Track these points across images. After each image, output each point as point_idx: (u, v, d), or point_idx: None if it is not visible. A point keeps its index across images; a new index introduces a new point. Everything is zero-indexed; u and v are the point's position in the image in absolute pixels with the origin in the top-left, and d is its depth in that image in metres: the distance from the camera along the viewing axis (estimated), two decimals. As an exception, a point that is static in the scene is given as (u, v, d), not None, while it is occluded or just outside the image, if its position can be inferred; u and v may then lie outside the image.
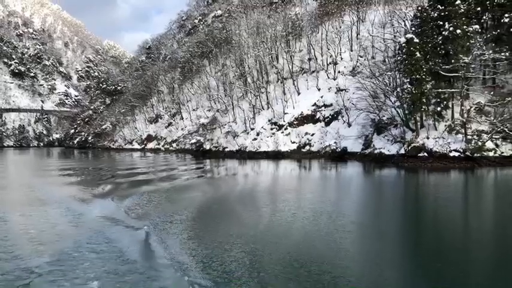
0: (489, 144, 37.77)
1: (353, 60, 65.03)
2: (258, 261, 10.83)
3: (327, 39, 72.04)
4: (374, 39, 61.98)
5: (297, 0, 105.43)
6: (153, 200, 21.70)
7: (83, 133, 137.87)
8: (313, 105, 63.22)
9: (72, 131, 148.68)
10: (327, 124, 59.95)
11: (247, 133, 65.79)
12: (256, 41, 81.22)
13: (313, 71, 69.58)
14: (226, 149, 65.79)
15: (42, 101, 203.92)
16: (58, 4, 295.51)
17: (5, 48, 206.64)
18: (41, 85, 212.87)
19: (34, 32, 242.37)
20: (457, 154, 37.32)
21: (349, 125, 56.29)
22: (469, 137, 37.28)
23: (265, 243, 12.78)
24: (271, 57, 78.53)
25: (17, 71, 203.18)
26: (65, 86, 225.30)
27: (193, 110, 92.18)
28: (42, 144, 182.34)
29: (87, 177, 39.60)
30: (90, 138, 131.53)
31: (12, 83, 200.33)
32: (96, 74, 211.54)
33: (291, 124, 62.67)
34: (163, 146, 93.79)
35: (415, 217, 18.45)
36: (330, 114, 60.55)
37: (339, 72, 65.27)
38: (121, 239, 13.25)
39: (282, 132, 62.26)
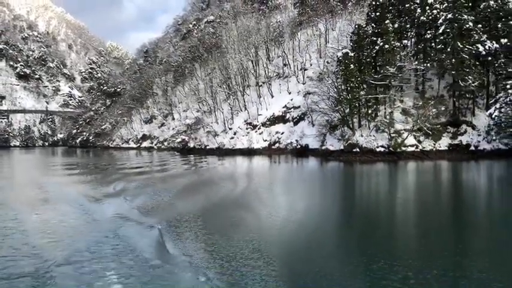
0: (411, 141, 45.51)
1: (320, 66, 72.43)
2: (269, 253, 11.31)
3: (299, 46, 79.70)
4: (339, 47, 69.39)
5: (282, 7, 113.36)
6: (162, 198, 22.35)
7: (84, 133, 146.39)
8: (283, 107, 70.89)
9: (75, 131, 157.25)
10: (295, 124, 67.58)
11: (226, 132, 73.79)
12: (241, 47, 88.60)
13: (286, 76, 77.29)
14: (207, 147, 73.80)
15: (47, 102, 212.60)
16: (62, 7, 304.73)
17: (10, 51, 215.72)
18: (46, 87, 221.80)
19: (39, 35, 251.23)
20: (382, 149, 45.09)
21: (313, 124, 63.67)
22: (393, 135, 44.94)
23: (271, 235, 13.92)
24: (253, 62, 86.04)
25: (22, 73, 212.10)
26: (69, 87, 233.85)
27: (184, 111, 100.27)
28: (47, 143, 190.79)
29: (95, 175, 40.73)
30: (91, 138, 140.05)
31: (18, 85, 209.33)
32: (99, 75, 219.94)
33: (263, 124, 70.50)
34: (155, 144, 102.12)
35: (343, 196, 24.43)
36: (298, 115, 68.16)
37: (307, 77, 72.72)
38: (136, 238, 13.39)
39: (256, 132, 70.09)
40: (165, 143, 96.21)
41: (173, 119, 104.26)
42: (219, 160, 57.54)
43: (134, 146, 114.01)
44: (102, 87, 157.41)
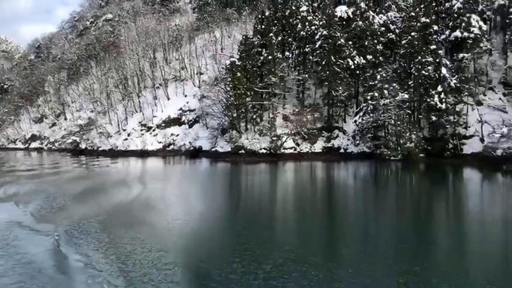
0: (290, 144, 50.14)
1: (215, 71, 75.33)
2: (167, 253, 11.75)
3: (196, 50, 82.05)
4: (233, 54, 72.89)
5: (182, 10, 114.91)
6: (57, 203, 21.58)
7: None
8: (179, 110, 72.58)
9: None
10: (190, 126, 69.61)
11: (120, 134, 73.57)
12: (140, 48, 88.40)
13: (183, 79, 79.11)
14: (99, 148, 72.91)
15: None
16: None
17: None
18: None
19: None
20: (264, 151, 49.14)
21: (207, 127, 66.33)
22: (274, 138, 49.18)
23: (166, 236, 14.47)
24: (150, 64, 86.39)
25: None
26: None
27: (77, 111, 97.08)
28: None
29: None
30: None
31: None
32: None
33: (158, 126, 71.57)
34: (46, 145, 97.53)
35: (226, 196, 27.07)
36: (193, 118, 70.25)
37: (203, 81, 75.24)
38: (30, 246, 12.76)
39: (150, 133, 70.94)
40: (56, 144, 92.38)
41: (65, 119, 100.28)
42: (112, 162, 57.47)
43: (22, 146, 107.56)
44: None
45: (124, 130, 74.02)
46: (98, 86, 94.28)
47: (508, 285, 9.50)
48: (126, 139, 71.64)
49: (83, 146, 75.93)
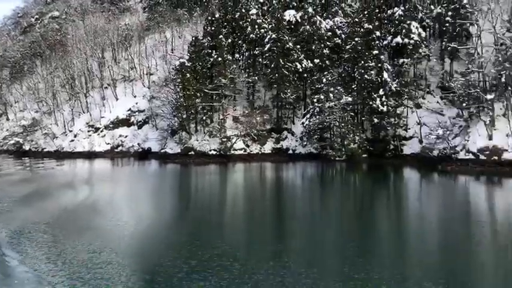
0: (240, 145, 50.65)
1: (165, 72, 74.58)
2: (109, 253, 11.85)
3: (146, 51, 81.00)
4: (183, 55, 72.46)
5: (132, 10, 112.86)
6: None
7: None
8: (128, 110, 71.26)
9: None
10: (139, 127, 68.54)
11: (66, 135, 71.36)
12: (88, 47, 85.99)
13: (132, 80, 77.76)
14: (44, 150, 70.41)
15: None
16: None
17: None
18: None
19: None
20: (214, 152, 49.38)
21: (156, 128, 65.53)
22: (223, 139, 49.48)
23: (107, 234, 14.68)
24: (99, 63, 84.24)
25: None
26: None
27: (21, 111, 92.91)
28: None
29: None
30: None
31: None
32: None
33: (106, 127, 69.92)
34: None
35: (175, 198, 27.11)
36: (142, 119, 69.22)
37: (153, 82, 74.25)
38: None
39: (98, 134, 69.23)
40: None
41: (8, 119, 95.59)
42: (58, 164, 55.68)
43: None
44: None
45: (70, 131, 71.82)
46: (43, 85, 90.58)
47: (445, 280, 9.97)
48: (72, 140, 69.58)
49: (26, 147, 73.09)
